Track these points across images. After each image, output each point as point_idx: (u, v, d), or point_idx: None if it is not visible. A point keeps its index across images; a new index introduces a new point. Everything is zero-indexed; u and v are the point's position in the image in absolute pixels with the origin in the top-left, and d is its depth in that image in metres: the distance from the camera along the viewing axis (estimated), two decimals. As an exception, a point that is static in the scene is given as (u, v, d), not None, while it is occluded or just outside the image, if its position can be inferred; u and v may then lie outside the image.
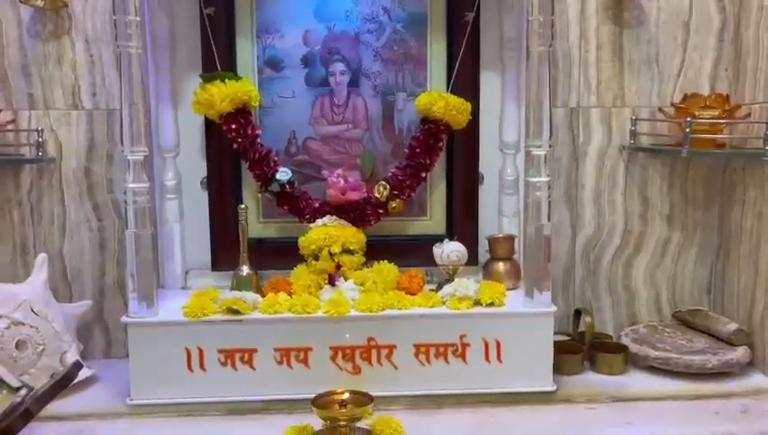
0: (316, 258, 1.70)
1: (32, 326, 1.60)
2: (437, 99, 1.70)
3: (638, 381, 1.69)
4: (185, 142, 1.80)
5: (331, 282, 1.69)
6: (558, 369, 1.65)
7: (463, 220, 1.81)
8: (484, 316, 1.60)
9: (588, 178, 1.90)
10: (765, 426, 1.48)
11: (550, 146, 1.58)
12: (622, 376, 1.71)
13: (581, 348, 1.75)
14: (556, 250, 1.89)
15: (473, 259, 1.77)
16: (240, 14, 1.74)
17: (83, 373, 1.66)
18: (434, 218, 1.85)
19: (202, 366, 1.56)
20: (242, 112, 1.69)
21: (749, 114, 1.75)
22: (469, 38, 1.73)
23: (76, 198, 1.81)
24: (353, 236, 1.72)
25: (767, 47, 1.72)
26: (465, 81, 1.75)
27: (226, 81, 1.66)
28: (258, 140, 1.72)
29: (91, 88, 1.78)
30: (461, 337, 1.58)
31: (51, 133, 1.78)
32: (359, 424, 1.44)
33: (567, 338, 1.84)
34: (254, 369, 1.56)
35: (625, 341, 1.79)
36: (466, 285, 1.63)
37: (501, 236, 1.79)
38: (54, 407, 1.55)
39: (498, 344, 1.59)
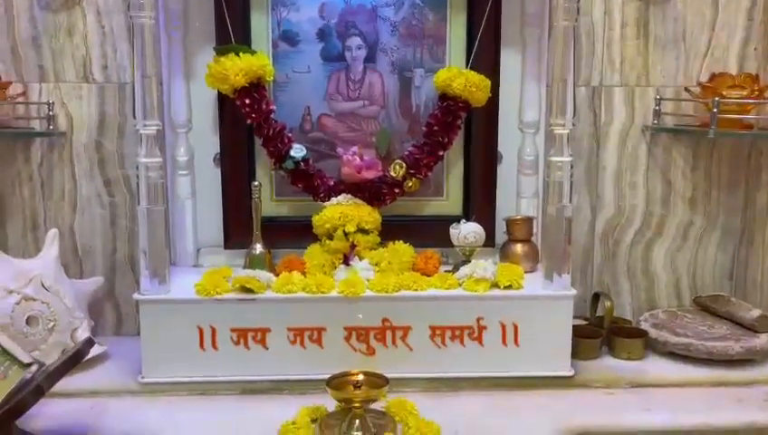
0: (330, 238, 1.67)
1: (43, 302, 1.58)
2: (457, 75, 1.65)
3: (657, 367, 1.65)
4: (197, 117, 1.76)
5: (346, 262, 1.66)
6: (575, 353, 1.61)
7: (480, 201, 1.77)
8: (501, 299, 1.56)
9: (609, 160, 1.85)
10: (790, 415, 1.45)
11: (573, 125, 1.53)
12: (641, 362, 1.67)
13: (600, 332, 1.72)
14: (575, 233, 1.84)
15: (490, 241, 1.73)
16: (255, -14, 1.70)
17: (94, 350, 1.64)
18: (451, 199, 1.81)
19: (214, 345, 1.54)
20: (256, 87, 1.65)
21: (778, 95, 1.70)
22: (490, 13, 1.67)
23: (87, 172, 1.78)
24: (369, 216, 1.68)
25: (799, 25, 1.67)
26: (484, 57, 1.70)
27: (241, 54, 1.62)
28: (272, 116, 1.68)
29: (103, 60, 1.74)
30: (478, 320, 1.55)
31: (62, 107, 1.75)
32: (373, 406, 1.42)
33: (585, 322, 1.80)
34: (267, 348, 1.54)
35: (644, 326, 1.75)
36: (484, 266, 1.59)
37: (519, 217, 1.75)
38: (65, 383, 1.52)
39: (516, 328, 1.56)
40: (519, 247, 1.72)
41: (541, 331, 1.56)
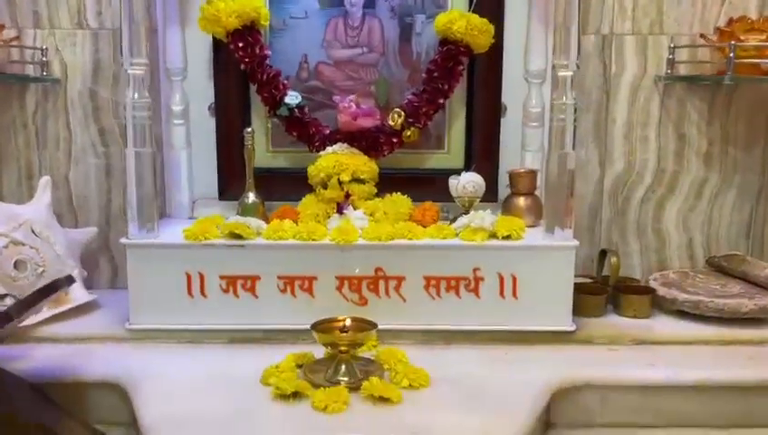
0: (325, 187, 1.62)
1: (32, 247, 1.56)
2: (458, 17, 1.58)
3: (664, 324, 1.58)
4: (192, 65, 1.71)
5: (340, 211, 1.61)
6: (579, 311, 1.54)
7: (483, 154, 1.70)
8: (499, 249, 1.50)
9: (619, 112, 1.77)
10: (804, 374, 1.37)
11: (577, 66, 1.46)
12: (648, 320, 1.60)
13: (605, 289, 1.65)
14: (582, 189, 1.78)
15: (492, 195, 1.67)
16: (251, -74, 1.64)
17: (85, 297, 1.63)
18: (452, 152, 1.75)
19: (203, 292, 1.50)
20: (250, 30, 1.60)
21: (800, 41, 1.60)
22: (494, -46, 1.61)
23: (82, 121, 1.76)
24: (365, 165, 1.63)
25: (824, -34, 1.56)
26: (488, 1, 1.63)
27: (235, -4, 1.57)
28: (267, 61, 1.63)
29: (97, 6, 1.71)
30: (474, 271, 1.49)
31: (56, 54, 1.72)
32: (363, 354, 1.37)
33: (590, 281, 1.73)
34: (257, 297, 1.50)
35: (653, 285, 1.67)
36: (482, 216, 1.53)
37: (522, 170, 1.68)
38: (51, 328, 1.53)
39: (514, 280, 1.49)
40: (522, 200, 1.65)
41: (541, 283, 1.49)
